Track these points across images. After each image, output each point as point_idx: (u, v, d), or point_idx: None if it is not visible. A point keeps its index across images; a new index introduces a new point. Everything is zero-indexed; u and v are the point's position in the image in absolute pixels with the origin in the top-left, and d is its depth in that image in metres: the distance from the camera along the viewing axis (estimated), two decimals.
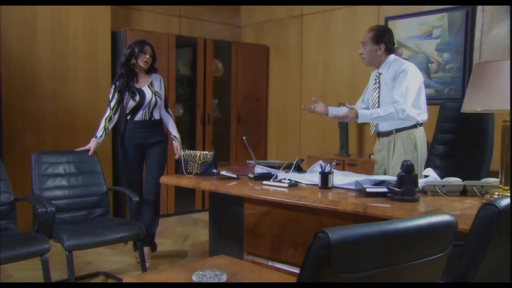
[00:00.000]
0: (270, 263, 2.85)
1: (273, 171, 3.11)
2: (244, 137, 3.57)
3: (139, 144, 3.67)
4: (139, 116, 3.65)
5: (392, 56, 3.23)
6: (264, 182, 2.84)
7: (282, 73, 5.93)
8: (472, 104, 2.25)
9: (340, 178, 2.83)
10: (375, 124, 3.29)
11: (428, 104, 4.55)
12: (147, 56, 3.61)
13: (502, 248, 1.44)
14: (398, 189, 2.29)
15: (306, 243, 1.42)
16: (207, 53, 5.45)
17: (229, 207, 3.27)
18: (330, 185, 2.67)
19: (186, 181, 3.13)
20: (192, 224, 4.95)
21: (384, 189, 2.38)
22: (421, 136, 3.20)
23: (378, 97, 3.26)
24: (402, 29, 4.80)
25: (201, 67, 5.43)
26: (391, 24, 4.86)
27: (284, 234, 2.77)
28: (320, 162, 3.01)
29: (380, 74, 3.26)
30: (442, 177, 2.86)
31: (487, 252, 1.41)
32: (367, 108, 3.39)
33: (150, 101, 3.64)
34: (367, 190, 2.40)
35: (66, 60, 4.61)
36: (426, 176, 2.79)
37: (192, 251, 4.03)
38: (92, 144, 3.51)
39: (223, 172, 3.07)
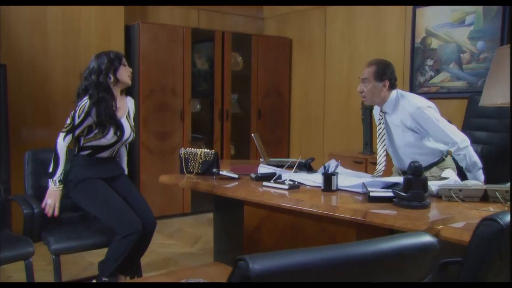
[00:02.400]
0: None
1: (280, 170, 2.86)
2: (252, 134, 3.35)
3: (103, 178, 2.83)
4: (104, 154, 2.82)
5: (394, 92, 2.83)
6: (264, 183, 2.61)
7: (306, 67, 5.65)
8: (491, 96, 1.93)
9: (349, 180, 2.55)
10: (384, 163, 2.88)
11: (460, 98, 4.23)
12: (130, 69, 2.86)
13: (506, 273, 1.15)
14: (404, 194, 2.00)
15: None
16: (225, 46, 5.24)
17: (232, 209, 3.05)
18: (334, 187, 2.40)
19: (184, 181, 2.94)
20: (207, 224, 4.75)
21: (390, 194, 2.10)
22: (450, 164, 2.85)
23: (389, 139, 2.91)
24: (432, 17, 4.42)
25: (219, 61, 5.22)
26: (420, 12, 4.49)
27: (283, 241, 2.52)
28: (332, 161, 2.76)
29: (385, 113, 2.88)
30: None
31: (487, 278, 1.12)
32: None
33: (128, 138, 2.86)
34: (371, 194, 2.12)
35: (78, 55, 4.50)
36: (445, 179, 2.48)
37: (200, 253, 3.84)
38: (56, 196, 2.67)
39: (223, 172, 2.86)
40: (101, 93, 2.69)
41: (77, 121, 2.67)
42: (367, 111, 4.58)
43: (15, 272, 3.23)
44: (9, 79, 3.97)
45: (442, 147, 2.84)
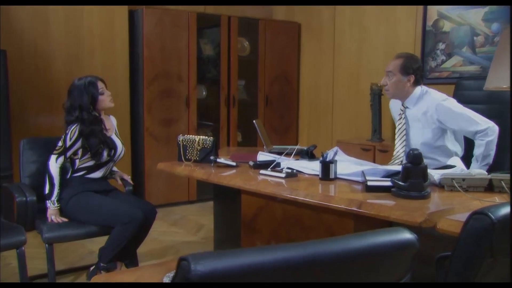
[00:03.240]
0: None
1: (278, 158, 2.77)
2: (254, 121, 3.25)
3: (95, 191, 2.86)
4: (98, 173, 2.88)
5: (418, 89, 2.73)
6: (261, 171, 2.52)
7: (314, 52, 5.50)
8: (496, 80, 1.81)
9: (350, 168, 2.44)
10: (399, 156, 2.77)
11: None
12: (109, 93, 2.89)
13: (499, 272, 1.05)
14: (403, 184, 1.90)
15: None
16: (232, 31, 5.12)
17: (231, 198, 2.98)
18: (332, 176, 2.30)
19: (180, 169, 2.86)
20: (211, 212, 4.68)
21: (388, 183, 2.00)
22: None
23: (406, 135, 2.80)
24: None
25: (225, 46, 5.11)
26: None
27: (281, 231, 2.44)
28: (335, 148, 2.65)
29: (406, 108, 2.77)
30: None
31: (476, 276, 1.02)
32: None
33: (120, 155, 2.96)
34: (368, 183, 2.02)
35: (81, 41, 4.45)
36: (451, 167, 2.37)
37: (201, 242, 3.79)
38: (56, 214, 2.72)
39: (221, 160, 2.78)
40: (90, 127, 2.77)
41: (68, 144, 2.75)
42: (376, 97, 4.44)
43: (15, 259, 3.20)
44: (9, 65, 3.92)
45: (458, 149, 2.74)
